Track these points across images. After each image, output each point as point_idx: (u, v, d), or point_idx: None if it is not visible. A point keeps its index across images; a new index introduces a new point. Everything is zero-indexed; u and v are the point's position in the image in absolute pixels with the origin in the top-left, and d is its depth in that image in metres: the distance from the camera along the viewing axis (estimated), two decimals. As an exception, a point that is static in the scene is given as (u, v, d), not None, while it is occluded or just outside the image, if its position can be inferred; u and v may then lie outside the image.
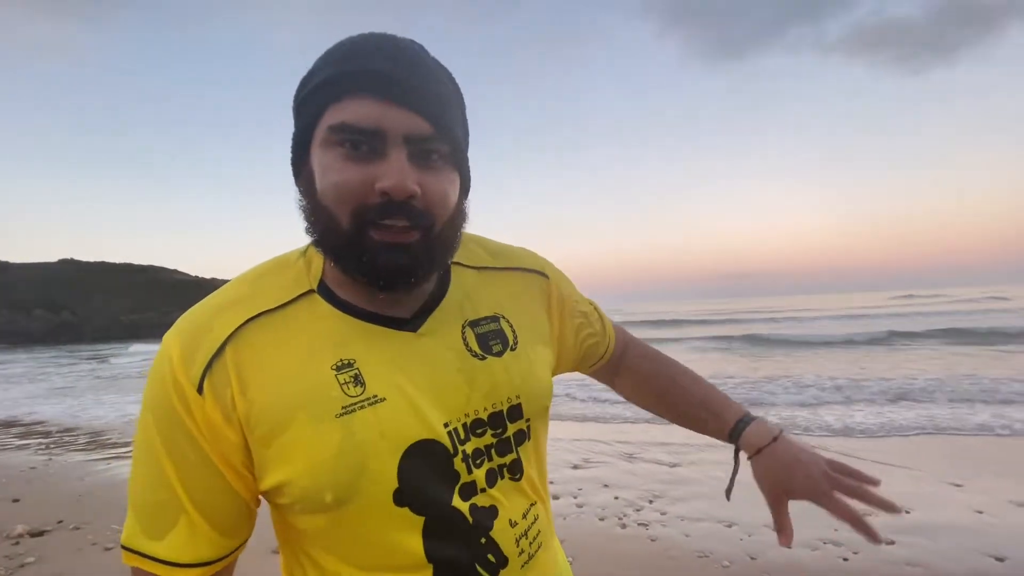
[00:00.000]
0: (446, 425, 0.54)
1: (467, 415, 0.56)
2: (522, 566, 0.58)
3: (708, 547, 2.84)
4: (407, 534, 0.52)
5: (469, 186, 0.59)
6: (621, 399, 0.92)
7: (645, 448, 4.71)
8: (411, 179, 0.49)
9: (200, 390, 0.50)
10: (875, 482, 0.68)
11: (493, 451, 0.58)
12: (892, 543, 2.80)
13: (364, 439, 0.50)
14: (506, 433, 0.59)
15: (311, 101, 0.52)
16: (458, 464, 0.55)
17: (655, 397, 0.83)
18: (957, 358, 10.20)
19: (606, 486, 3.87)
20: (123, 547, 0.52)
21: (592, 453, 4.59)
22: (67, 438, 6.59)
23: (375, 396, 0.52)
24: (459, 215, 0.57)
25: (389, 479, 0.51)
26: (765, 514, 0.74)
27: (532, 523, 0.61)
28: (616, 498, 3.63)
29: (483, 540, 0.55)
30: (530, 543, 0.60)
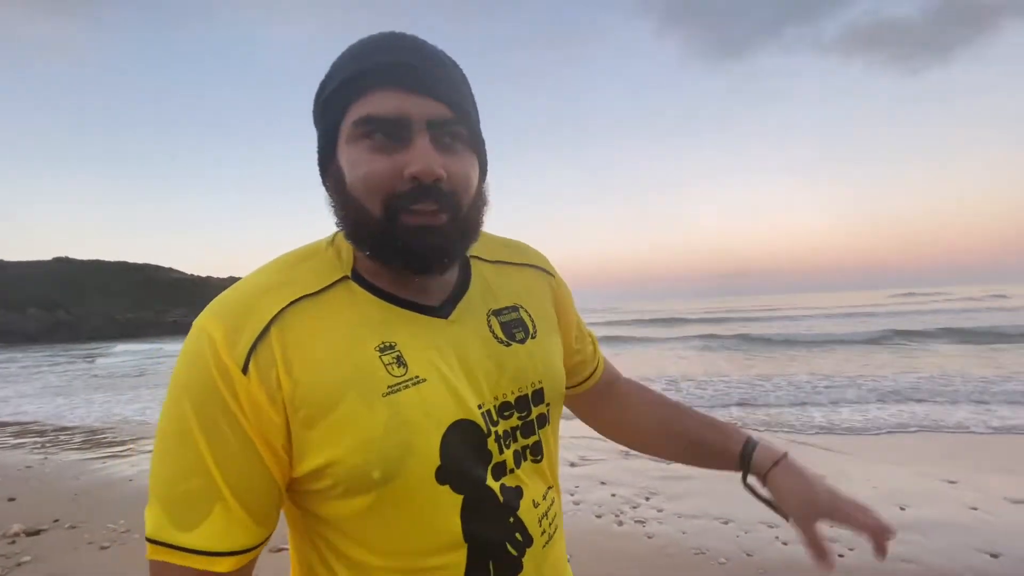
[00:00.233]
0: (480, 407, 0.57)
1: (496, 398, 0.59)
2: (543, 546, 0.61)
3: (705, 544, 2.85)
4: (446, 512, 0.54)
5: (487, 169, 0.61)
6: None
7: (642, 446, 4.74)
8: (437, 163, 0.52)
9: (245, 370, 0.50)
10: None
11: (519, 433, 0.61)
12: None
13: (409, 417, 0.52)
14: (530, 416, 0.62)
15: (333, 102, 0.54)
16: (491, 444, 0.57)
17: (656, 423, 0.81)
18: (953, 357, 10.27)
19: (603, 483, 3.88)
20: (150, 541, 0.50)
21: (589, 450, 4.60)
22: (62, 437, 6.56)
23: (417, 377, 0.54)
24: (480, 197, 0.59)
25: (432, 456, 0.53)
26: (761, 511, 0.74)
27: (550, 505, 0.64)
28: (613, 495, 3.65)
29: (511, 519, 0.58)
30: (550, 523, 0.63)
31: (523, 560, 0.58)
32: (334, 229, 0.59)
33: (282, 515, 0.58)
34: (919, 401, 6.28)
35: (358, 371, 0.52)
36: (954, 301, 34.65)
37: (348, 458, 0.50)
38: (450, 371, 0.56)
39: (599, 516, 3.31)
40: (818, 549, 0.66)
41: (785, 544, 2.79)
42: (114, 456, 5.37)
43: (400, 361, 0.54)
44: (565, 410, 0.73)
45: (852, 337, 14.29)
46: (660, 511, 3.35)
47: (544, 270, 0.74)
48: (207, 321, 0.52)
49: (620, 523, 3.21)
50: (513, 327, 0.64)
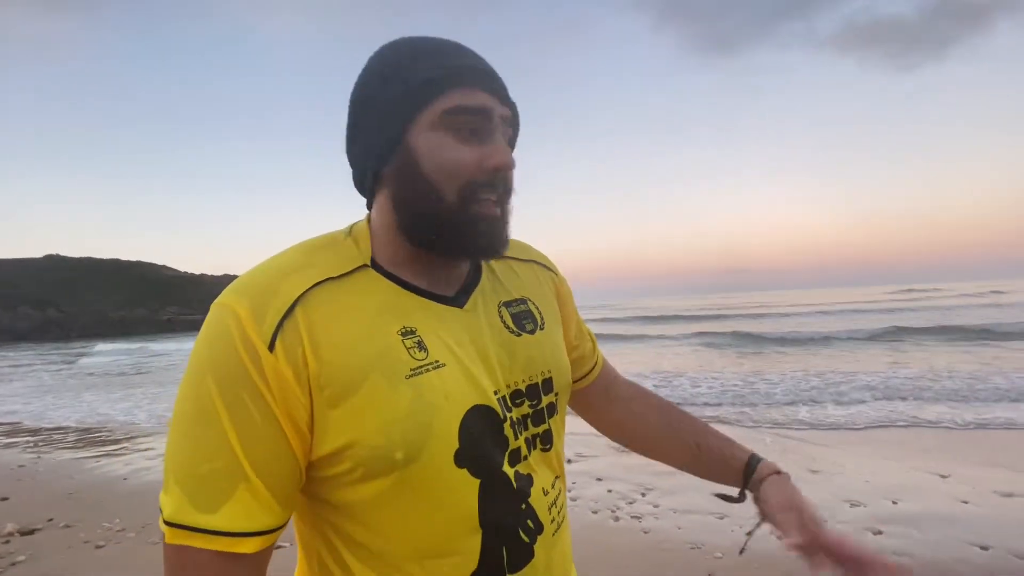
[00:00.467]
0: (496, 393, 0.58)
1: (508, 386, 0.61)
2: (553, 534, 0.62)
3: (700, 539, 2.87)
4: (464, 495, 0.55)
5: None
6: None
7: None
8: (512, 158, 0.58)
9: (272, 347, 0.50)
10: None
11: (530, 421, 0.62)
12: (880, 533, 2.86)
13: (431, 400, 0.53)
14: (540, 404, 0.64)
15: (417, 93, 0.56)
16: (507, 430, 0.58)
17: (663, 426, 0.81)
18: (947, 353, 10.36)
19: (599, 479, 3.90)
20: (169, 524, 0.48)
21: (585, 447, 4.62)
22: (56, 436, 6.52)
23: (437, 361, 0.55)
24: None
25: (451, 439, 0.54)
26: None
27: (558, 495, 0.65)
28: (609, 491, 3.67)
29: (524, 506, 0.59)
30: (558, 512, 0.64)
31: (535, 547, 0.59)
32: (331, 225, 0.61)
33: None
34: (914, 399, 6.33)
35: (382, 353, 0.53)
36: (952, 297, 34.88)
37: (371, 438, 0.51)
38: (467, 357, 0.58)
39: (595, 512, 3.33)
40: (811, 555, 0.65)
41: (779, 538, 2.81)
42: (108, 455, 5.34)
43: (421, 346, 0.55)
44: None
45: (847, 335, 14.38)
46: (656, 506, 3.37)
47: (547, 267, 0.77)
48: (231, 299, 0.52)
49: (616, 519, 3.23)
50: (523, 318, 0.66)
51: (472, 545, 0.55)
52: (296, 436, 0.51)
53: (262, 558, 0.52)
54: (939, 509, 3.12)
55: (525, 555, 0.58)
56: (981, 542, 2.69)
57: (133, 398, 9.52)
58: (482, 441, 0.56)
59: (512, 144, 0.62)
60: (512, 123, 0.61)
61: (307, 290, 0.53)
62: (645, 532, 3.02)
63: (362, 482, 0.52)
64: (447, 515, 0.54)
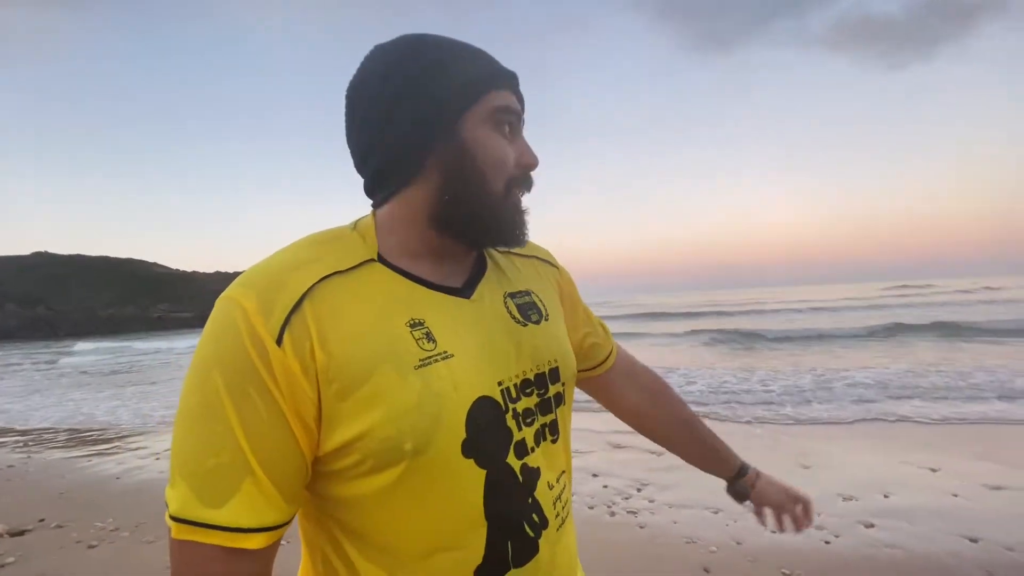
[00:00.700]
0: (500, 384, 0.59)
1: (516, 376, 0.61)
2: (557, 529, 0.62)
3: (695, 533, 2.89)
4: (470, 487, 0.55)
5: None
6: None
7: (633, 437, 4.78)
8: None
9: (279, 342, 0.50)
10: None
11: (537, 410, 0.63)
12: (872, 526, 2.89)
13: (440, 390, 0.53)
14: (548, 394, 0.64)
15: (470, 88, 0.59)
16: (509, 421, 0.59)
17: (681, 423, 0.89)
18: (938, 349, 10.48)
19: (595, 475, 3.92)
20: (175, 519, 0.48)
21: (581, 443, 4.62)
22: (46, 435, 6.45)
23: (446, 352, 0.55)
24: None
25: (459, 429, 0.54)
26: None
27: (563, 490, 0.65)
28: (605, 487, 3.68)
29: (529, 500, 0.59)
30: (563, 507, 0.64)
31: (539, 542, 0.59)
32: (328, 222, 0.61)
33: None
34: (905, 394, 6.40)
35: (391, 344, 0.53)
36: (946, 294, 35.20)
37: (380, 429, 0.51)
38: (475, 347, 0.58)
39: (591, 507, 3.34)
40: (794, 517, 0.88)
41: (773, 532, 2.83)
42: (100, 454, 5.30)
43: (430, 337, 0.55)
44: None
45: (840, 331, 14.50)
46: (651, 501, 3.39)
47: (548, 262, 0.78)
48: (239, 293, 0.51)
49: (612, 514, 3.24)
50: (528, 309, 0.67)
51: (477, 539, 0.55)
52: (303, 431, 0.51)
53: (268, 554, 0.51)
54: (930, 502, 3.16)
55: (530, 550, 0.58)
56: (971, 534, 2.73)
57: (121, 397, 9.44)
58: (488, 431, 0.56)
59: None
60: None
61: (315, 284, 0.53)
62: (641, 527, 3.03)
63: (370, 475, 0.52)
64: (453, 506, 0.54)
